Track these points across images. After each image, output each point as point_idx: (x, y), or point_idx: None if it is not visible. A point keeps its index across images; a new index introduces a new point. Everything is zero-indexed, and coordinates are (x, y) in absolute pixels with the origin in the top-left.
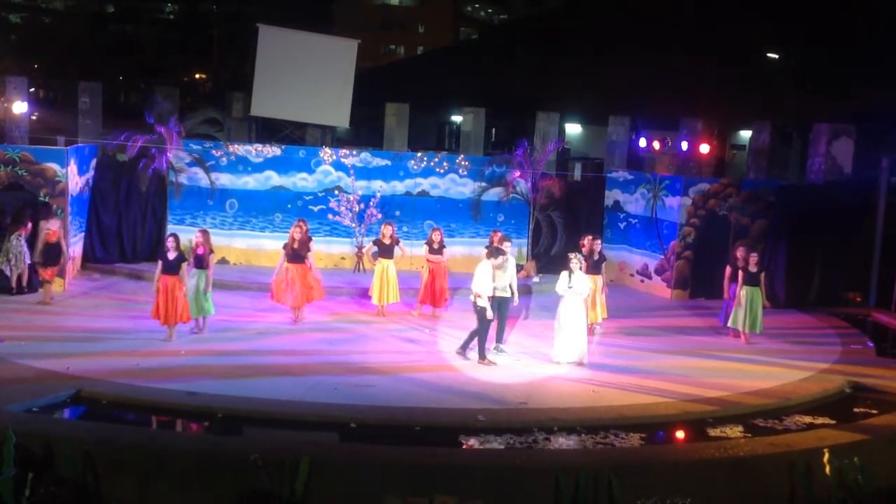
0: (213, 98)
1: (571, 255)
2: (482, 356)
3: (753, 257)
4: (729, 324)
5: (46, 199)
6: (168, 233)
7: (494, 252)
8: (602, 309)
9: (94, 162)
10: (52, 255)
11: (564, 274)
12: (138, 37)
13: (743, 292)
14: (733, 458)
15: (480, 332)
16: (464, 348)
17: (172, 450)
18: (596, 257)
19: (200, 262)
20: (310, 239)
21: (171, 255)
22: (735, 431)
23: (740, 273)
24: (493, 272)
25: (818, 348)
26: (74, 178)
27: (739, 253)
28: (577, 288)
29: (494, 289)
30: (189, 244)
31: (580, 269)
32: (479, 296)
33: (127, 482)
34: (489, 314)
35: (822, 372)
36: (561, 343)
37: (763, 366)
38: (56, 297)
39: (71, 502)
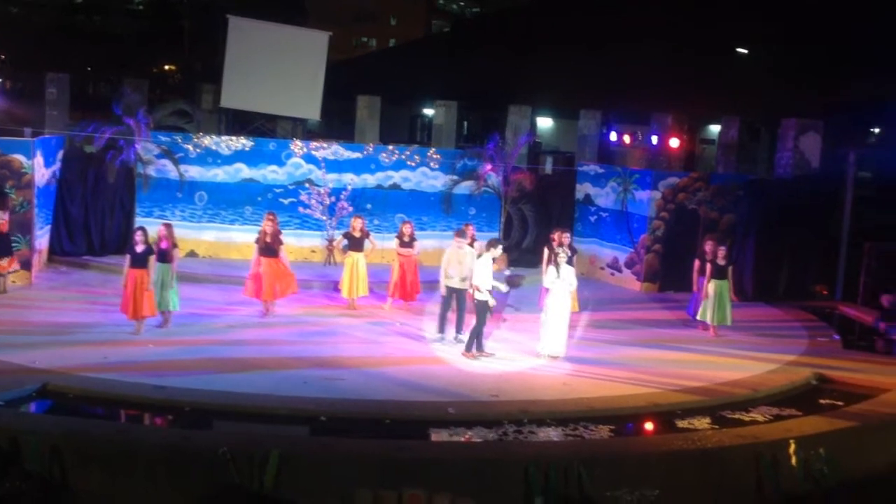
0: (183, 90)
1: (558, 250)
2: (468, 348)
3: (721, 251)
4: (698, 317)
5: (12, 192)
6: (136, 226)
7: (494, 243)
8: (573, 302)
9: (61, 153)
10: (1, 245)
11: (552, 268)
12: (107, 28)
13: (711, 286)
14: (701, 450)
15: (479, 325)
16: (473, 348)
17: (140, 444)
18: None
19: (163, 256)
20: (279, 232)
21: (139, 249)
22: (703, 423)
23: (709, 266)
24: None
25: (785, 341)
26: (41, 170)
27: (708, 247)
28: (567, 280)
29: (450, 279)
30: (156, 237)
31: (565, 262)
32: (477, 288)
33: (94, 476)
34: (492, 302)
35: (789, 364)
36: (548, 336)
37: (731, 358)
38: (22, 290)
39: (37, 497)
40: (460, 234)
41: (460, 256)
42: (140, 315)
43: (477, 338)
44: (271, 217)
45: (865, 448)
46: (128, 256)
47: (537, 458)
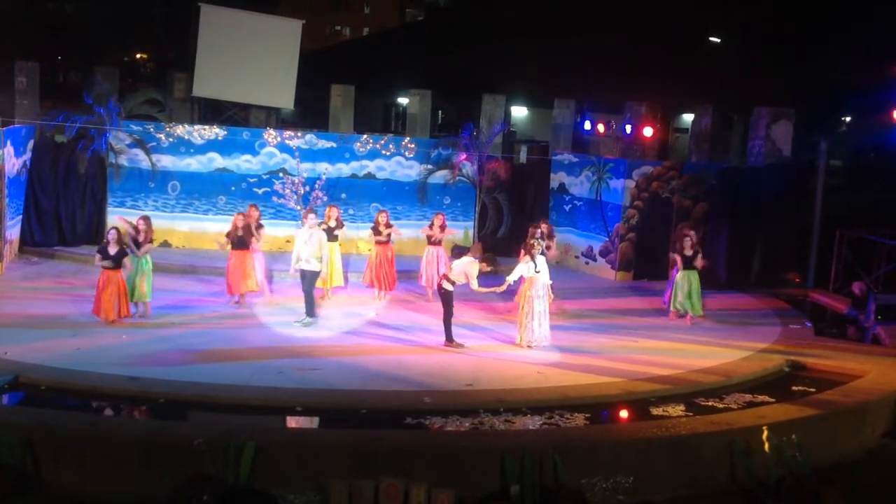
0: (155, 78)
1: (533, 242)
2: (448, 338)
3: (688, 241)
4: (671, 307)
5: None
6: (109, 226)
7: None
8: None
9: (31, 143)
10: None
11: (527, 259)
12: (77, 15)
13: (680, 276)
14: (675, 437)
15: (447, 315)
16: (450, 339)
17: (114, 436)
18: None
19: (139, 248)
20: (260, 226)
21: (112, 251)
22: (677, 410)
23: (679, 260)
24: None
25: (758, 328)
26: (11, 160)
27: (686, 241)
28: (543, 272)
29: (299, 261)
30: (128, 226)
31: (540, 252)
32: (446, 277)
33: (68, 469)
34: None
35: (762, 351)
36: (532, 328)
37: (704, 345)
38: None
39: (10, 490)
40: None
41: (308, 237)
42: (111, 317)
43: (446, 328)
44: (253, 208)
45: (837, 434)
46: (98, 256)
47: (512, 446)
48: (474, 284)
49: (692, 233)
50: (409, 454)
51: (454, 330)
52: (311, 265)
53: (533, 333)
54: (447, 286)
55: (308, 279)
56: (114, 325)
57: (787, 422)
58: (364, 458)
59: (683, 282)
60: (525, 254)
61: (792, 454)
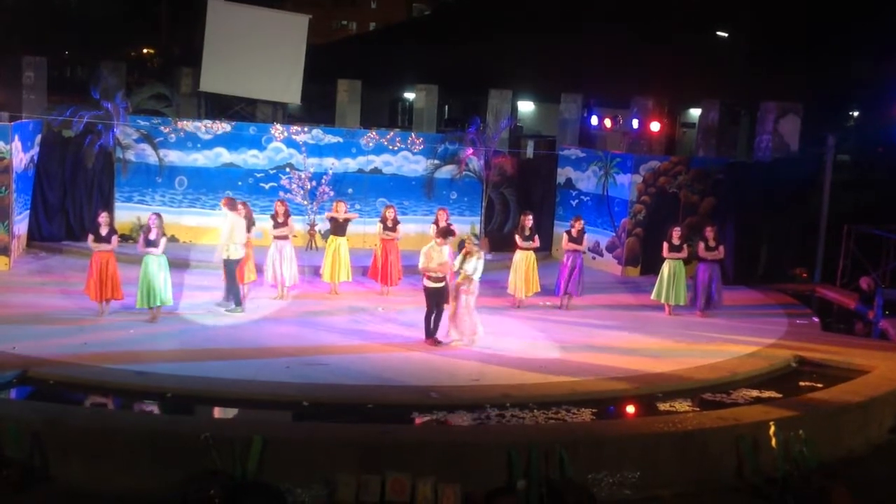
0: (162, 73)
1: (466, 238)
2: (428, 335)
3: (676, 231)
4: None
5: None
6: (100, 209)
7: (444, 233)
8: (535, 284)
9: (38, 138)
10: None
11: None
12: (84, 10)
13: (665, 266)
14: (682, 432)
15: (437, 313)
16: (431, 335)
17: (121, 430)
18: (527, 232)
19: (151, 247)
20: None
21: (104, 231)
22: (684, 406)
23: (665, 246)
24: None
25: (765, 323)
26: (19, 155)
27: (709, 233)
28: (469, 270)
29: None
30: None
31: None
32: (427, 276)
33: (75, 463)
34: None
35: (769, 347)
36: (464, 323)
37: (711, 341)
38: (0, 275)
39: (18, 484)
40: (229, 203)
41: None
42: (101, 297)
43: (426, 324)
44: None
45: (844, 430)
46: (90, 237)
47: (519, 441)
48: (424, 261)
49: (677, 228)
50: (416, 449)
51: (426, 327)
52: (226, 253)
53: (464, 328)
54: (432, 283)
55: (227, 267)
56: (101, 305)
57: (793, 417)
58: (371, 453)
59: (669, 271)
60: (465, 252)
61: (799, 450)
